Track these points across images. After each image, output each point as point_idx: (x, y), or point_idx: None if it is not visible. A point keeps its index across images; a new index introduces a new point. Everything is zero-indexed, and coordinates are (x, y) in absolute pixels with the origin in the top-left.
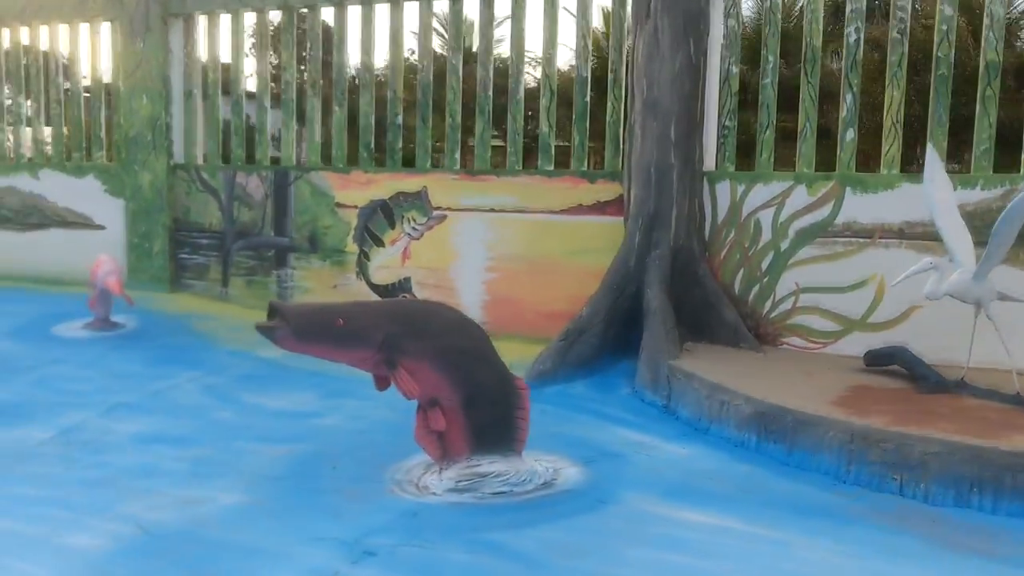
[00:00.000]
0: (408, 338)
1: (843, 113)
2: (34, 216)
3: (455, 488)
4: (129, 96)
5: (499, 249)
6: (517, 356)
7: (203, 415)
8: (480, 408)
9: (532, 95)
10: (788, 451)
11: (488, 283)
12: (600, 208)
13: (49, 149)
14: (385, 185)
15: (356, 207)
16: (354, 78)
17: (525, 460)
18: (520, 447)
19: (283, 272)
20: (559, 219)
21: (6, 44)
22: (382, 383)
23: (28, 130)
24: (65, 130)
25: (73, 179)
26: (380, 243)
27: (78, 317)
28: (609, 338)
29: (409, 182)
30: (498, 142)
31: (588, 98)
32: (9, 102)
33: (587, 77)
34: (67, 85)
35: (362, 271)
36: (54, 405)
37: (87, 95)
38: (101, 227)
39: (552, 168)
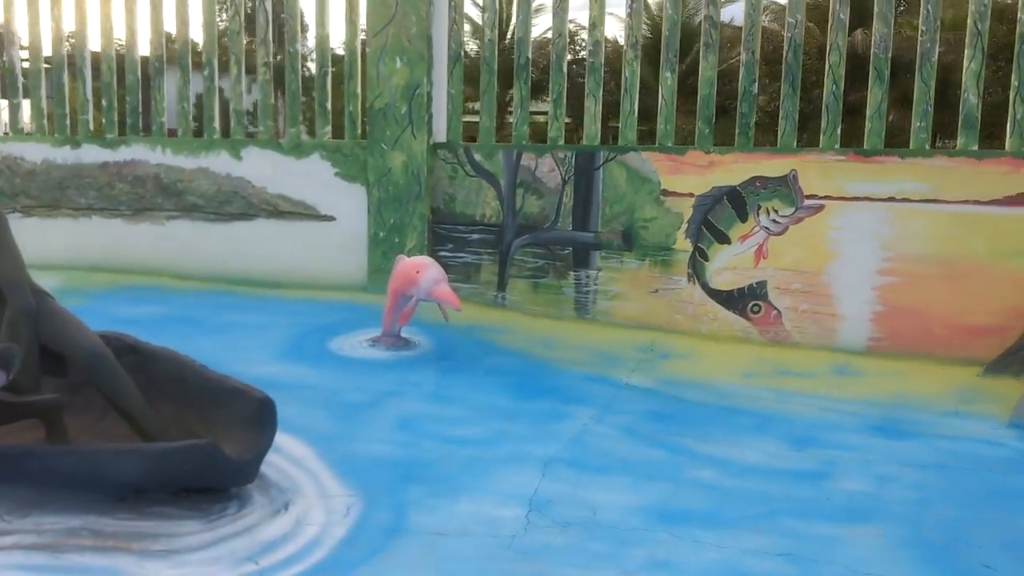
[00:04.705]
0: None
1: None
2: (233, 204)
3: None
4: (377, 59)
5: (899, 248)
6: (929, 382)
7: (678, 475)
8: None
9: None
10: None
11: (881, 290)
12: None
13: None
14: (733, 168)
15: (692, 195)
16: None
17: None
18: None
19: (583, 274)
20: (988, 211)
21: None
22: None
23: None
24: (275, 101)
25: (290, 159)
26: (725, 239)
27: (341, 331)
28: None
29: (769, 164)
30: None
31: None
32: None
33: None
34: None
35: (696, 273)
36: (457, 461)
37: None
38: (329, 218)
39: (978, 148)
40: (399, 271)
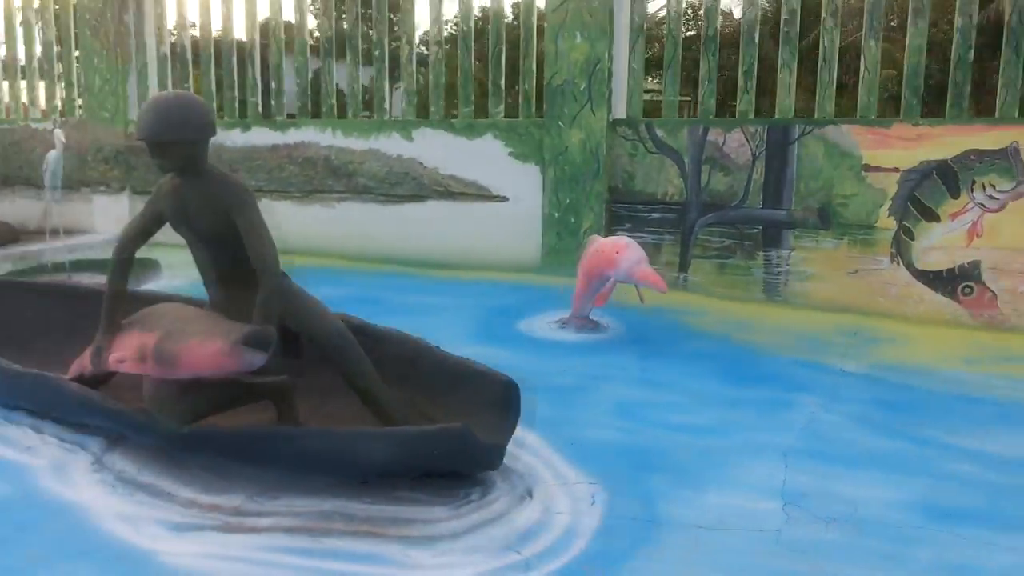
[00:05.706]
0: None
1: None
2: (405, 185)
3: None
4: (555, 35)
5: None
6: None
7: (934, 468)
8: None
9: None
10: None
11: None
12: None
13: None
14: (944, 141)
15: (897, 170)
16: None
17: None
18: None
19: (775, 254)
20: None
21: None
22: None
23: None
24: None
25: (462, 140)
26: (933, 217)
27: (525, 313)
28: None
29: (985, 136)
30: None
31: None
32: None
33: None
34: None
35: (901, 253)
36: (691, 450)
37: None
38: (502, 198)
39: None
40: (595, 251)
